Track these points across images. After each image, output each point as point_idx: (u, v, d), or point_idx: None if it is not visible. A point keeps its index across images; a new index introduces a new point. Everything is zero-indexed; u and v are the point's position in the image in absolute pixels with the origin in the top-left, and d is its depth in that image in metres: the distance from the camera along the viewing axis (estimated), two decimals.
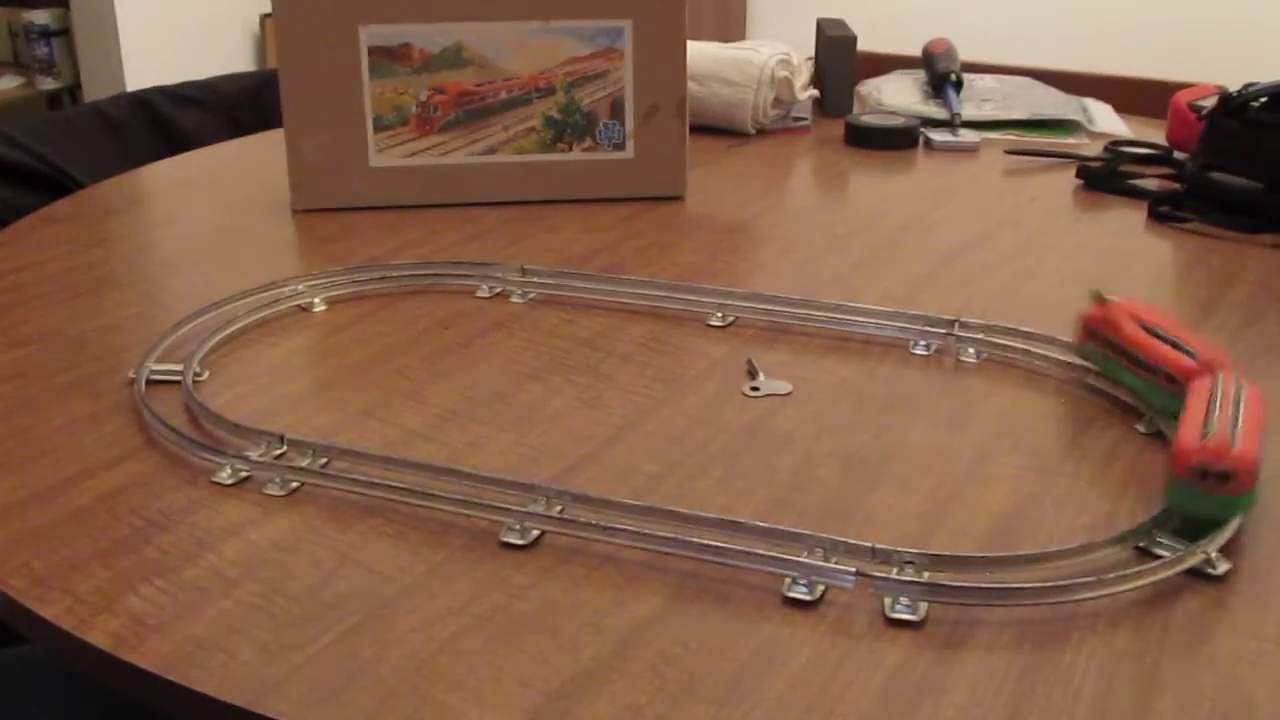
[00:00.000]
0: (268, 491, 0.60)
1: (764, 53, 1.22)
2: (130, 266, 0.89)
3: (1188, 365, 0.63)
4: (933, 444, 0.65)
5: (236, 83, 1.35)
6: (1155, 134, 1.23)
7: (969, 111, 1.28)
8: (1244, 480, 0.55)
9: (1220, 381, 0.61)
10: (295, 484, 0.61)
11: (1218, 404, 0.58)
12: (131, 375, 0.71)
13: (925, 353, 0.76)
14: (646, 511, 0.56)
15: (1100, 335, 0.69)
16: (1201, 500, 0.56)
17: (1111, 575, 0.52)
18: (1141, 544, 0.56)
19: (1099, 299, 0.68)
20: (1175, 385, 0.64)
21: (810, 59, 1.33)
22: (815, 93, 1.29)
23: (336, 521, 0.58)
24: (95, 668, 0.50)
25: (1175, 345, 0.65)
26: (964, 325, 0.76)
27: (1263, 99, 0.99)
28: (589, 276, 0.84)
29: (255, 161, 1.15)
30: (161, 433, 0.65)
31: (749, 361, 0.74)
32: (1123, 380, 0.68)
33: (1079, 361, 0.72)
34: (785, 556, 0.53)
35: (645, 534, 0.55)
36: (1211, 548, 0.55)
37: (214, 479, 0.61)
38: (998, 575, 0.54)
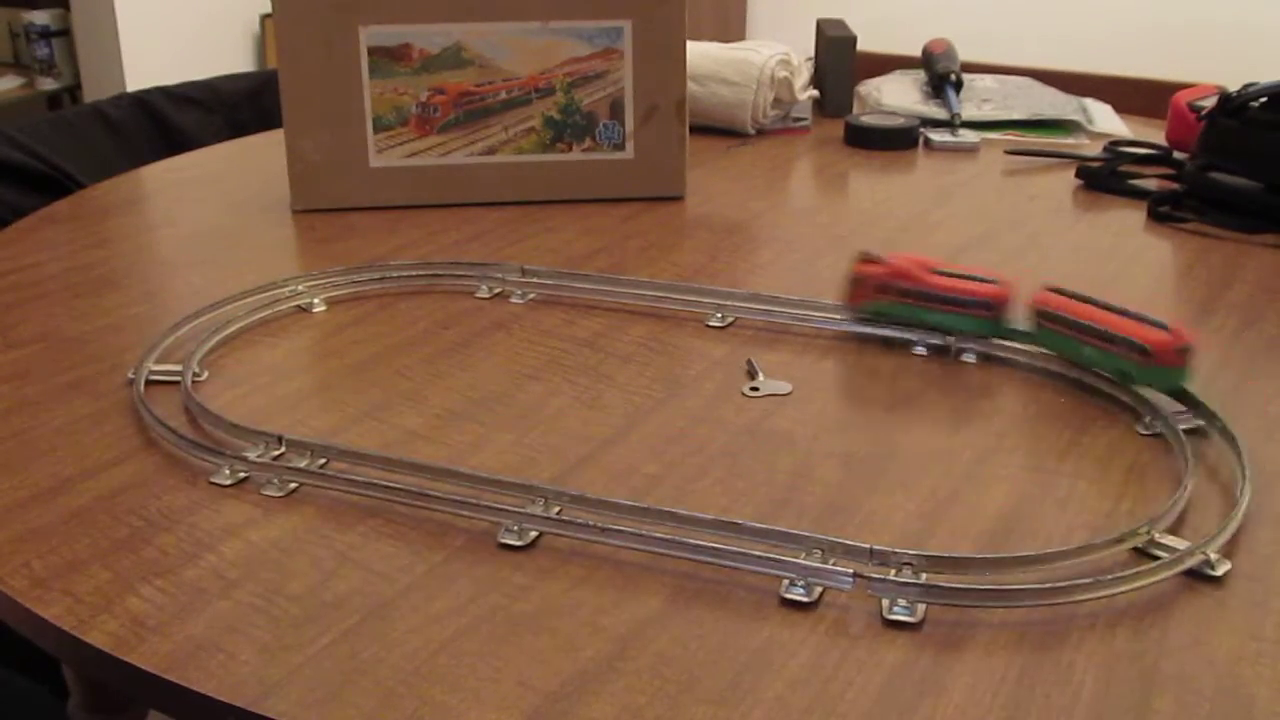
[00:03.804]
0: (266, 492, 0.60)
1: (764, 53, 1.22)
2: (130, 266, 0.89)
3: (997, 289, 0.73)
4: (932, 444, 0.65)
5: (236, 83, 1.35)
6: (1155, 134, 1.23)
7: (969, 111, 1.28)
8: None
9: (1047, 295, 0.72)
10: (294, 485, 0.61)
11: (1103, 309, 0.70)
12: (131, 375, 0.71)
13: (925, 353, 0.76)
14: (644, 513, 0.56)
15: (893, 289, 0.75)
16: (1179, 374, 0.67)
17: (1110, 576, 0.52)
18: (1141, 545, 0.56)
19: (870, 257, 0.76)
20: (990, 310, 0.73)
21: (810, 59, 1.33)
22: (815, 93, 1.29)
23: (336, 522, 0.58)
24: (95, 668, 0.50)
25: (972, 278, 0.74)
26: None
27: (1262, 99, 0.99)
28: (589, 277, 0.84)
29: (255, 161, 1.15)
30: (160, 433, 0.65)
31: (749, 362, 0.74)
32: (928, 321, 0.75)
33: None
34: (783, 558, 0.53)
35: (643, 535, 0.55)
36: (1211, 548, 0.55)
37: (213, 480, 0.61)
38: (996, 576, 0.54)
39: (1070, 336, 0.71)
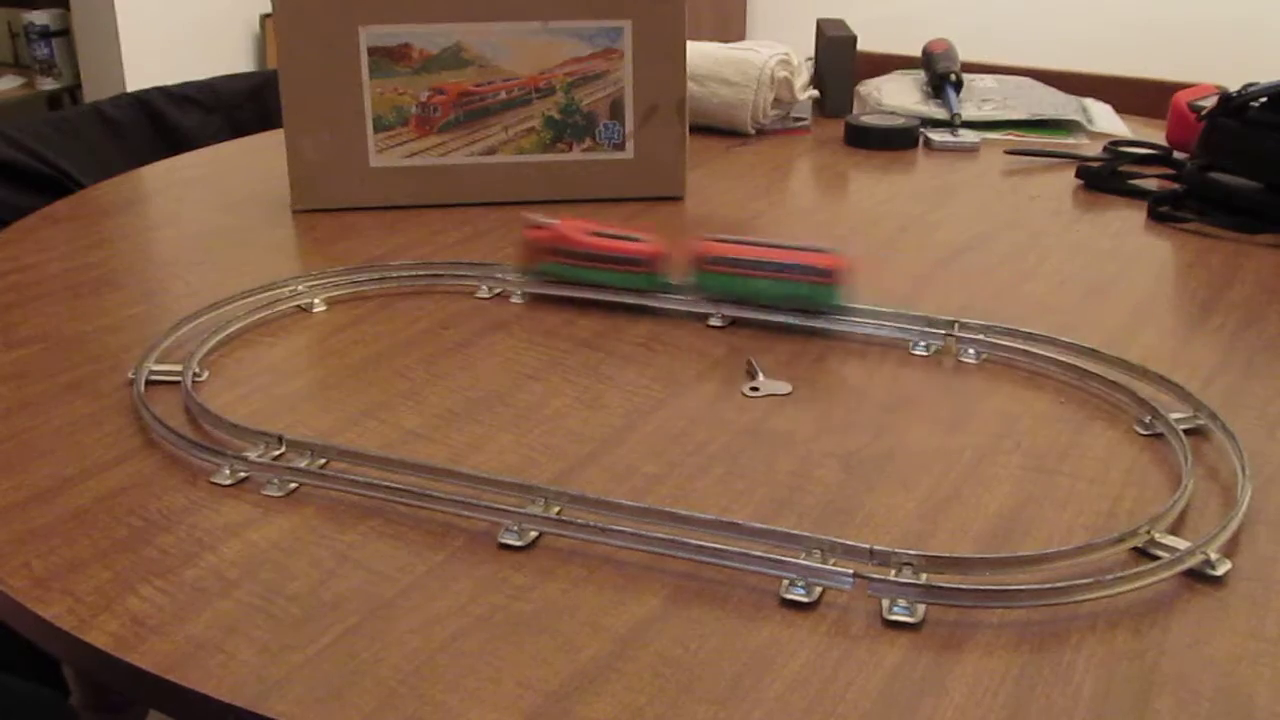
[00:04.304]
0: (266, 492, 0.60)
1: (764, 53, 1.22)
2: (130, 266, 0.89)
3: (651, 246, 0.80)
4: (932, 444, 0.65)
5: (236, 83, 1.35)
6: (1155, 134, 1.23)
7: (969, 111, 1.28)
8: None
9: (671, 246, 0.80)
10: (294, 485, 0.61)
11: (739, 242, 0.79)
12: (131, 376, 0.71)
13: (925, 353, 0.76)
14: (644, 513, 0.56)
15: (559, 251, 0.81)
16: (842, 291, 0.77)
17: (1110, 576, 0.52)
18: (1141, 545, 0.56)
19: (537, 223, 0.81)
20: (645, 266, 0.80)
21: (810, 59, 1.33)
22: (815, 93, 1.29)
23: (335, 522, 0.58)
24: (95, 668, 0.50)
25: (629, 238, 0.80)
26: (964, 326, 0.76)
27: (1263, 99, 0.99)
28: None
29: (255, 161, 1.15)
30: (161, 433, 0.65)
31: (749, 361, 0.74)
32: (592, 279, 0.81)
33: (1071, 361, 0.72)
34: (783, 558, 0.53)
35: (643, 535, 0.55)
36: (1211, 548, 0.55)
37: (213, 479, 0.61)
38: (996, 576, 0.54)
39: (743, 276, 0.78)
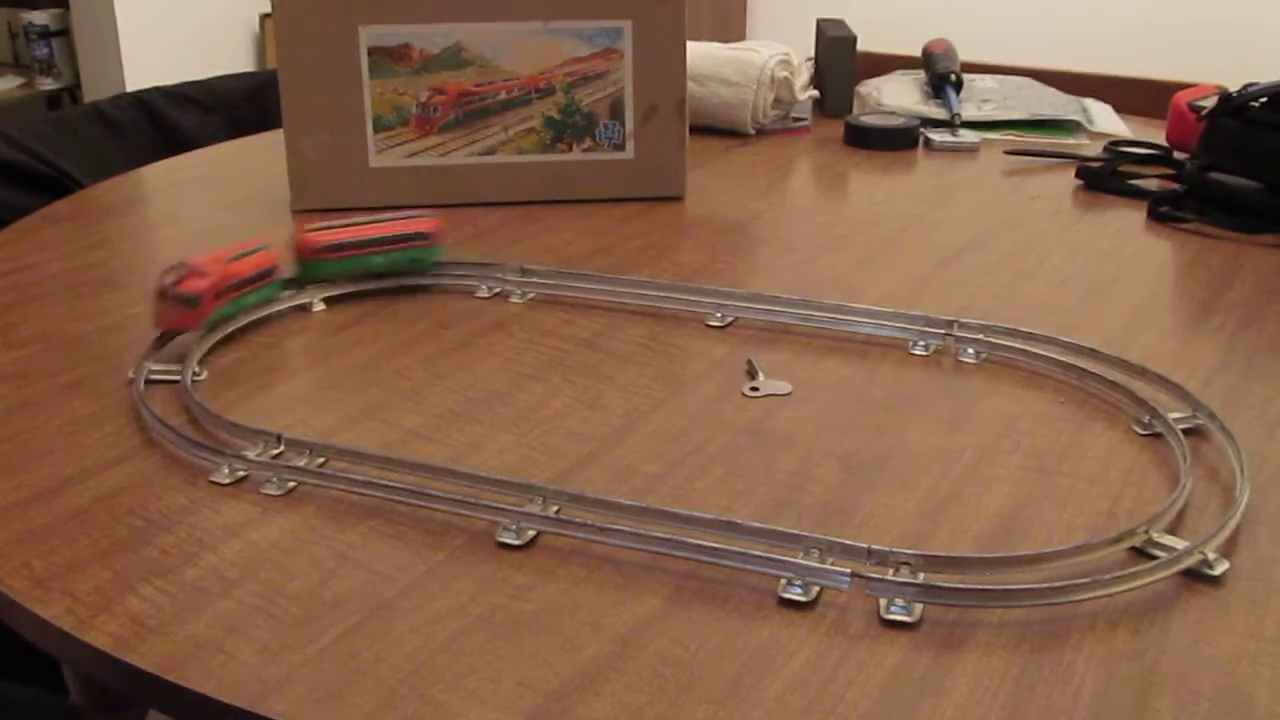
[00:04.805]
0: (266, 491, 0.60)
1: (764, 53, 1.22)
2: (130, 266, 0.89)
3: (265, 256, 0.81)
4: (932, 444, 0.65)
5: (236, 83, 1.35)
6: (1155, 134, 1.23)
7: (969, 111, 1.28)
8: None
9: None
10: (293, 483, 0.61)
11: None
12: (131, 375, 0.71)
13: (925, 353, 0.76)
14: (643, 512, 0.56)
15: (217, 294, 0.77)
16: (441, 250, 0.86)
17: (1109, 576, 0.52)
18: (1139, 544, 0.56)
19: (176, 278, 0.76)
20: (269, 275, 0.81)
21: (810, 59, 1.33)
22: (815, 93, 1.29)
23: (335, 522, 0.58)
24: (95, 668, 0.50)
25: (246, 253, 0.80)
26: (963, 325, 0.76)
27: (1263, 99, 0.99)
28: (589, 277, 0.84)
29: (255, 161, 1.15)
30: (160, 433, 0.65)
31: (749, 362, 0.74)
32: (245, 306, 0.79)
33: (1071, 361, 0.72)
34: (781, 557, 0.53)
35: (643, 535, 0.55)
36: (1209, 547, 0.55)
37: (213, 479, 0.61)
38: (995, 576, 0.54)
39: (354, 256, 0.83)
